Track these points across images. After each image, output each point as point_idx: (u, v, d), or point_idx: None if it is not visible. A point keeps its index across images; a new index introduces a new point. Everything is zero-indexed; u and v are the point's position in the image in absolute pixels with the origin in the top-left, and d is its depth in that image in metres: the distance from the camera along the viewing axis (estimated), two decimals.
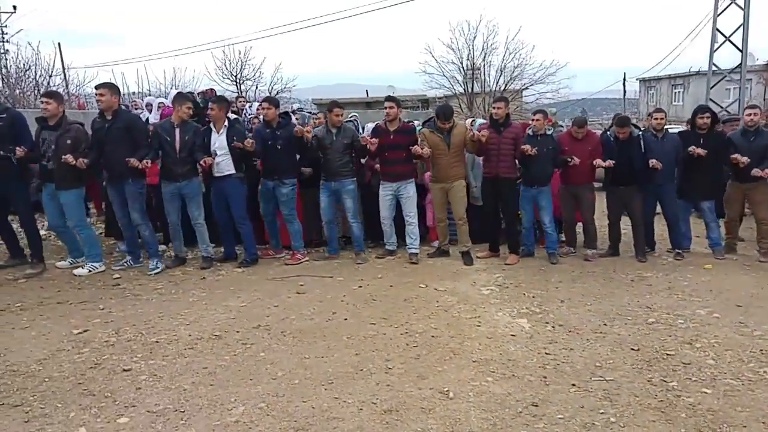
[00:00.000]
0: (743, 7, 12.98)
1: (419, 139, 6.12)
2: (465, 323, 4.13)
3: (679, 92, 33.37)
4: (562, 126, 8.66)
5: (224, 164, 5.70)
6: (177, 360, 3.50)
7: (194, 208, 5.73)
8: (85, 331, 4.02)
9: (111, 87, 5.59)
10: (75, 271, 5.59)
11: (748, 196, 6.14)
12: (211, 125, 5.78)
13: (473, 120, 8.47)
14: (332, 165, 5.95)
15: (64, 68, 17.92)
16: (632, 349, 3.61)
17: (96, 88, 5.68)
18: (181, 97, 5.95)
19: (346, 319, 4.21)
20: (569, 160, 5.85)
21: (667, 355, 3.48)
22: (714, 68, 30.69)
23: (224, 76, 19.32)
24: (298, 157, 6.15)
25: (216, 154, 5.65)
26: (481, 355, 3.54)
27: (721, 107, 13.47)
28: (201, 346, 3.73)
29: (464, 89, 26.09)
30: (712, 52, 13.67)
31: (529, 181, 6.07)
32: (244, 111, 8.36)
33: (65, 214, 5.55)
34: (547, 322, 4.16)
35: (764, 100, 28.84)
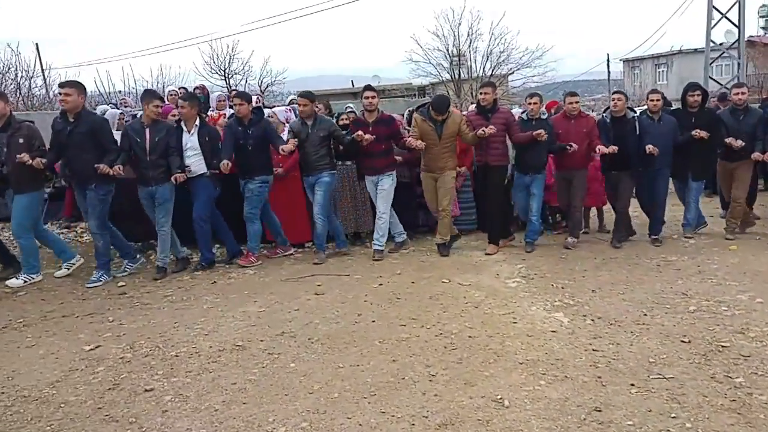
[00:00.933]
0: None
1: (411, 126, 5.85)
2: (500, 320, 3.92)
3: (663, 71, 33.35)
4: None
5: (196, 165, 5.38)
6: (202, 376, 3.26)
7: (161, 214, 5.34)
8: (97, 347, 3.75)
9: (77, 86, 5.19)
10: (8, 282, 5.26)
11: (734, 173, 6.01)
12: (182, 124, 5.45)
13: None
14: (309, 158, 5.66)
15: (42, 69, 17.33)
16: (682, 341, 3.43)
17: (60, 86, 5.29)
18: (148, 95, 5.54)
19: (373, 321, 3.99)
20: (568, 147, 5.59)
21: (722, 347, 3.31)
22: (698, 48, 30.76)
23: (212, 71, 18.89)
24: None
25: (186, 164, 5.32)
26: (526, 355, 3.34)
27: (721, 84, 13.32)
28: (225, 358, 3.48)
29: (451, 76, 25.82)
30: (709, 28, 13.54)
31: (523, 167, 5.85)
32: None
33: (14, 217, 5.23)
34: (584, 315, 3.98)
35: (746, 76, 29.02)
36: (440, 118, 5.63)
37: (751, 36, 29.33)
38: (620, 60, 36.87)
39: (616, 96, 5.92)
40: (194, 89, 8.57)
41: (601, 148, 5.56)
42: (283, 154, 5.48)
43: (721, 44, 30.27)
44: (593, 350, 3.37)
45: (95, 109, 7.60)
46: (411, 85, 28.16)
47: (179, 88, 8.54)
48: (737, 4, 13.13)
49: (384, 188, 5.77)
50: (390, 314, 4.12)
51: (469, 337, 3.64)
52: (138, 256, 5.78)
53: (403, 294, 4.58)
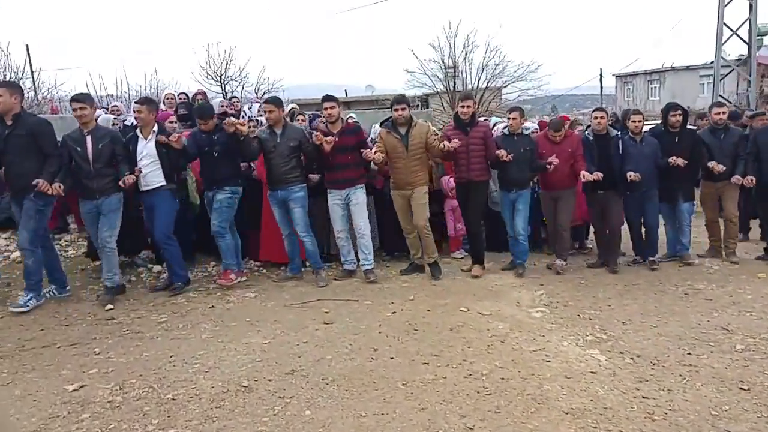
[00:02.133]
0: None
1: (372, 141, 5.51)
2: (531, 358, 3.57)
3: (655, 87, 33.54)
4: (581, 124, 8.15)
5: (153, 176, 4.93)
6: (204, 426, 2.85)
7: (105, 228, 4.80)
8: (81, 386, 3.31)
9: (10, 86, 4.74)
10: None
11: (721, 193, 5.88)
12: (138, 131, 5.01)
13: (486, 119, 7.97)
14: (277, 170, 5.24)
15: (32, 71, 16.77)
16: (741, 388, 3.10)
17: None
18: (77, 98, 4.84)
19: (392, 358, 3.61)
20: (548, 165, 5.31)
21: None
22: (690, 65, 30.98)
23: (208, 76, 18.45)
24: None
25: (140, 170, 4.86)
26: (570, 402, 2.98)
27: (729, 101, 13.18)
28: (230, 402, 3.08)
29: (445, 87, 25.69)
30: (719, 44, 13.39)
31: (507, 184, 5.56)
32: (243, 113, 7.67)
33: None
34: (621, 353, 3.64)
35: (737, 95, 29.28)
36: (403, 114, 5.24)
37: (741, 55, 29.70)
38: (613, 75, 37.05)
39: (597, 114, 5.66)
40: (195, 95, 8.17)
41: (585, 175, 5.26)
42: (228, 126, 4.98)
43: (712, 62, 30.67)
44: (643, 398, 3.03)
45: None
46: (404, 95, 27.93)
47: (178, 93, 8.15)
48: (748, 21, 13.03)
49: (358, 201, 5.38)
50: (409, 349, 3.75)
51: (502, 379, 3.28)
52: (68, 287, 5.15)
53: (420, 324, 4.21)
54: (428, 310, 4.53)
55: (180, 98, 7.82)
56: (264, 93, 17.04)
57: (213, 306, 4.79)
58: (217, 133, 5.15)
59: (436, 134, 5.61)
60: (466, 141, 5.31)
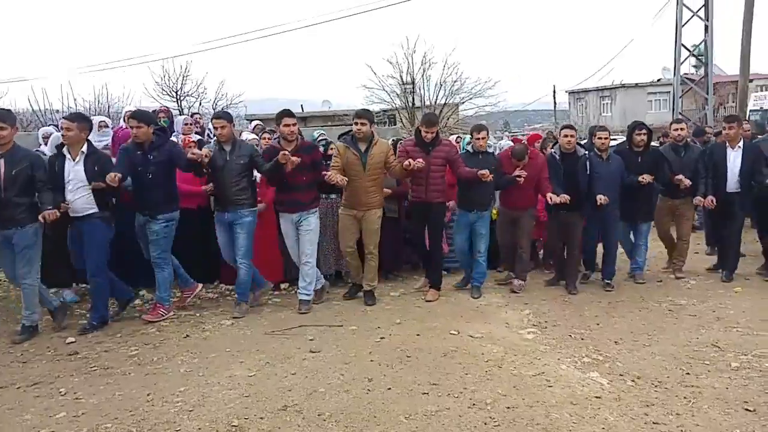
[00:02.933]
0: (706, 19, 13.31)
1: (333, 156, 5.19)
2: (532, 384, 3.46)
3: (607, 104, 34.89)
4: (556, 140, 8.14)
5: (82, 201, 4.43)
6: None
7: (22, 264, 4.32)
8: None
9: None
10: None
11: (676, 210, 5.96)
12: (65, 151, 4.49)
13: (458, 137, 7.93)
14: (227, 191, 4.81)
15: None
16: (746, 409, 3.08)
17: None
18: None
19: (389, 389, 3.42)
20: (517, 178, 5.19)
21: None
22: (639, 82, 32.34)
23: (163, 92, 17.86)
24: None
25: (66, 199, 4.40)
26: (581, 431, 2.87)
27: (689, 119, 13.68)
28: None
29: (404, 104, 25.85)
30: (677, 64, 13.93)
31: (467, 204, 5.38)
32: (208, 130, 7.35)
33: None
34: (621, 375, 3.58)
35: (681, 112, 30.73)
36: (362, 130, 4.94)
37: (685, 74, 31.26)
38: (566, 91, 38.28)
39: (567, 132, 5.48)
40: (157, 113, 7.75)
41: (552, 197, 5.16)
42: (193, 157, 4.53)
43: (659, 80, 32.11)
44: (654, 423, 2.96)
45: (34, 130, 6.75)
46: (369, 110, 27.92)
47: (162, 108, 7.58)
48: (704, 42, 13.63)
49: (310, 228, 5.00)
50: (405, 378, 3.57)
51: (508, 408, 3.15)
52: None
53: (411, 350, 4.04)
54: (418, 335, 4.37)
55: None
56: (222, 109, 16.65)
57: (188, 335, 4.48)
58: (153, 151, 4.65)
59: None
60: (427, 161, 5.05)
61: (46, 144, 6.16)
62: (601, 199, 5.21)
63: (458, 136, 8.20)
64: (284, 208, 5.07)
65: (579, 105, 37.85)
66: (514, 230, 5.56)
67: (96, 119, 6.86)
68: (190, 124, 6.75)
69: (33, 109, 14.40)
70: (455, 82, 25.81)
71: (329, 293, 5.51)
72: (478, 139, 5.35)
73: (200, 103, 17.77)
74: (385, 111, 26.12)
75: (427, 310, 5.05)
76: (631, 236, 5.96)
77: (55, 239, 4.87)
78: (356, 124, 5.02)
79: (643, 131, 5.66)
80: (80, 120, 4.60)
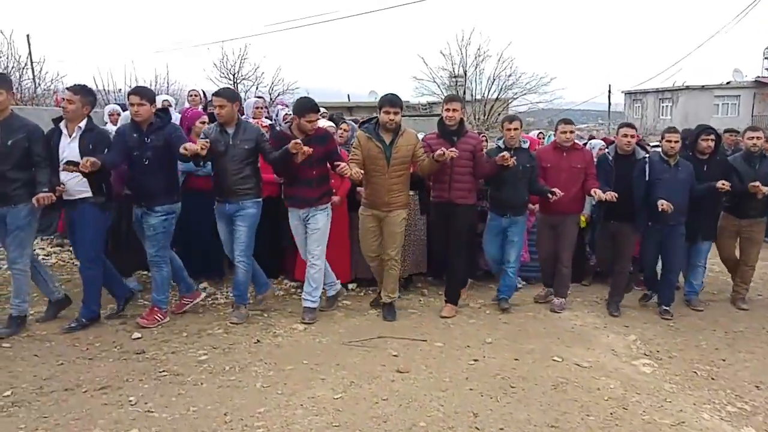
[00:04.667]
0: None
1: (352, 147, 4.59)
2: None
3: (667, 106, 33.00)
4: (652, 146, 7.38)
5: (74, 183, 3.97)
6: None
7: (12, 247, 3.97)
8: None
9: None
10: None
11: (742, 231, 5.14)
12: (62, 126, 4.06)
13: (540, 133, 7.30)
14: (228, 178, 4.26)
15: (32, 62, 16.05)
16: None
17: None
18: None
19: (501, 429, 2.94)
20: (549, 195, 4.57)
21: None
22: (705, 84, 30.56)
23: (222, 75, 17.74)
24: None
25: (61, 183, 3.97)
26: None
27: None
28: None
29: (456, 96, 25.17)
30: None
31: (500, 206, 4.77)
32: (275, 114, 6.98)
33: None
34: None
35: (752, 117, 28.94)
36: (394, 120, 4.31)
37: (759, 77, 29.42)
38: (622, 92, 36.68)
39: (627, 131, 4.78)
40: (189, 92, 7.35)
41: (598, 192, 4.54)
42: (185, 153, 3.89)
43: (728, 83, 30.36)
44: None
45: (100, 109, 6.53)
46: (409, 103, 27.46)
47: (189, 91, 7.28)
48: None
49: (318, 227, 4.43)
50: (517, 416, 3.08)
51: None
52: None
53: (514, 379, 3.54)
54: (516, 359, 3.86)
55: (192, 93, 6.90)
56: (278, 95, 16.40)
57: (258, 341, 4.10)
58: (152, 133, 4.11)
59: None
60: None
61: (114, 123, 5.89)
62: (663, 204, 4.47)
63: (540, 132, 7.60)
64: (291, 203, 4.53)
65: (636, 107, 36.13)
66: (555, 239, 4.94)
67: (160, 98, 6.57)
68: (261, 108, 6.37)
69: (98, 88, 14.48)
70: (509, 76, 24.97)
71: (401, 298, 5.03)
72: (509, 130, 4.68)
73: (257, 88, 17.54)
74: (422, 105, 25.45)
75: (516, 328, 4.54)
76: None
77: (119, 224, 4.60)
78: (388, 113, 4.32)
79: (711, 137, 4.93)
80: (84, 93, 4.08)
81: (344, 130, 5.67)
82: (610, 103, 40.82)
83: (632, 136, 4.79)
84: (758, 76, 29.19)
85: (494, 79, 25.00)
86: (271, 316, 4.65)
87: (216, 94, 4.39)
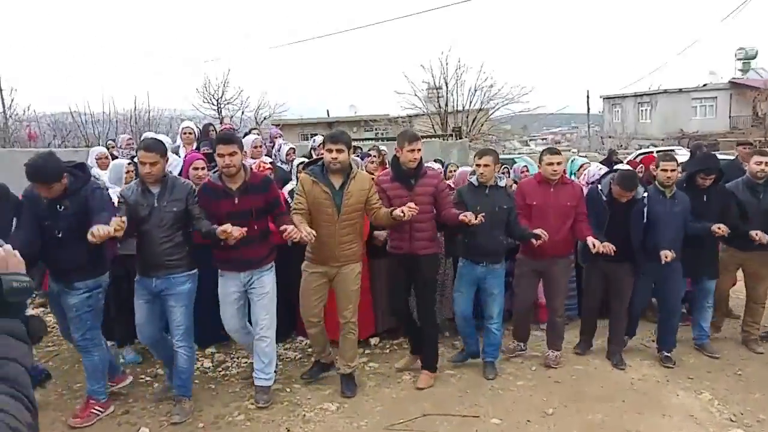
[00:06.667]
0: None
1: (295, 191, 3.93)
2: None
3: (645, 110, 33.22)
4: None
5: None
6: None
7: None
8: None
9: None
10: None
11: (746, 266, 4.66)
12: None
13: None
14: (153, 249, 3.48)
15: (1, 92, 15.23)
16: None
17: None
18: None
19: None
20: (535, 237, 3.90)
21: None
22: (682, 87, 30.86)
23: (204, 100, 17.02)
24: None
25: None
26: None
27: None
28: None
29: (437, 108, 24.89)
30: None
31: (474, 253, 4.08)
32: (275, 150, 6.41)
33: None
34: None
35: (729, 118, 29.27)
36: (338, 159, 3.60)
37: (733, 78, 29.85)
38: (601, 97, 36.96)
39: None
40: (205, 127, 6.79)
41: (596, 244, 3.93)
42: (92, 240, 3.04)
43: (704, 85, 30.72)
44: None
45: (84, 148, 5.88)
46: (389, 116, 27.12)
47: (183, 127, 6.31)
48: None
49: (265, 291, 3.70)
50: None
51: None
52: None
53: None
54: None
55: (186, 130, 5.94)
56: (264, 119, 15.80)
57: (288, 430, 3.52)
58: (67, 197, 3.32)
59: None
60: (409, 199, 3.73)
61: (103, 168, 5.18)
62: (667, 256, 4.01)
63: (525, 166, 6.95)
64: (225, 266, 3.70)
65: (615, 111, 36.40)
66: (538, 285, 4.42)
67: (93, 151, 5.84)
68: (260, 147, 5.79)
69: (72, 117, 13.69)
70: (491, 87, 24.82)
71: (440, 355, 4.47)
72: (479, 166, 4.02)
73: (242, 112, 16.88)
74: (402, 118, 25.07)
75: (571, 388, 4.04)
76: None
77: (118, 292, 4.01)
78: (330, 151, 3.61)
79: (711, 176, 4.37)
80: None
81: (374, 158, 5.24)
82: (588, 108, 41.22)
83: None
84: (733, 78, 29.64)
85: (475, 91, 24.84)
86: (294, 391, 4.06)
87: (144, 147, 3.50)
